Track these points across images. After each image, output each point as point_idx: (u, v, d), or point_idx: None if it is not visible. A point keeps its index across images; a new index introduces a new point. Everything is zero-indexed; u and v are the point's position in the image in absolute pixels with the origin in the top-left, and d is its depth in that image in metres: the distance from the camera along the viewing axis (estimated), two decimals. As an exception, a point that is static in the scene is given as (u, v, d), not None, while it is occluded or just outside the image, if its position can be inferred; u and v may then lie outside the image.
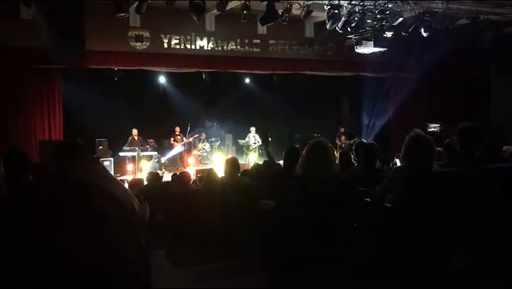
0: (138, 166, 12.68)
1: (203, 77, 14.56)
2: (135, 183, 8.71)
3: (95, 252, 1.75)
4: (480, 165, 3.79)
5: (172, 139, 14.40)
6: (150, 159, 13.29)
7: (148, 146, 13.15)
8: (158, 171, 11.48)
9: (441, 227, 3.23)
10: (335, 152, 8.37)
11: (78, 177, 1.94)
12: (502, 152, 4.79)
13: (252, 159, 14.26)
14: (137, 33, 12.17)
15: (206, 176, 6.56)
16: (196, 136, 14.80)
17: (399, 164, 3.70)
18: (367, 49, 10.43)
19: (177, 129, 14.45)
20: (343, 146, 14.52)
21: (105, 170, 2.30)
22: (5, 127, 10.97)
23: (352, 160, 6.83)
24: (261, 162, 9.08)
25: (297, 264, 3.28)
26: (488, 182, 3.61)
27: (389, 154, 10.49)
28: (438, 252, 3.26)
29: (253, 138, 14.81)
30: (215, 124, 15.54)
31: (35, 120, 11.72)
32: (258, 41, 13.42)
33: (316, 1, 10.44)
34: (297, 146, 6.14)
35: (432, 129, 13.68)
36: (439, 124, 13.83)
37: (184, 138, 14.51)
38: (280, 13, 10.45)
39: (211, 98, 15.21)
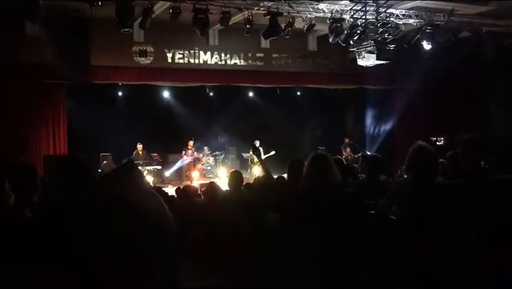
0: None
1: (207, 91, 14.61)
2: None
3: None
4: (486, 176, 3.77)
5: (183, 152, 14.38)
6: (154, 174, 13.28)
7: (153, 160, 13.16)
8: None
9: (446, 240, 3.20)
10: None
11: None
12: None
13: (256, 172, 14.22)
14: (140, 48, 12.26)
15: (207, 189, 6.54)
16: (204, 152, 14.80)
17: (405, 176, 3.69)
18: (370, 61, 10.45)
19: (191, 143, 14.40)
20: (349, 158, 14.50)
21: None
22: (10, 142, 10.98)
23: (356, 173, 6.82)
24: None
25: (301, 278, 3.26)
26: (494, 194, 3.58)
27: (393, 166, 10.45)
28: (443, 265, 3.23)
29: (257, 151, 14.76)
30: (219, 137, 15.56)
31: (40, 135, 11.75)
32: (262, 55, 13.49)
33: (318, 15, 10.51)
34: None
35: (438, 143, 13.63)
36: (443, 138, 13.80)
37: (195, 153, 14.47)
38: (283, 27, 10.51)
39: (215, 112, 15.26)
